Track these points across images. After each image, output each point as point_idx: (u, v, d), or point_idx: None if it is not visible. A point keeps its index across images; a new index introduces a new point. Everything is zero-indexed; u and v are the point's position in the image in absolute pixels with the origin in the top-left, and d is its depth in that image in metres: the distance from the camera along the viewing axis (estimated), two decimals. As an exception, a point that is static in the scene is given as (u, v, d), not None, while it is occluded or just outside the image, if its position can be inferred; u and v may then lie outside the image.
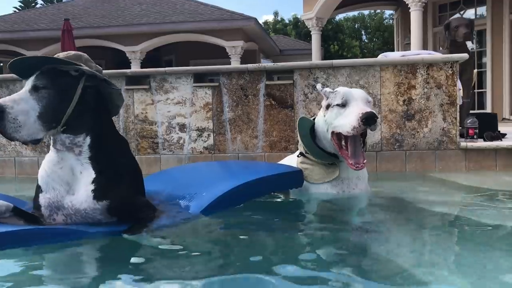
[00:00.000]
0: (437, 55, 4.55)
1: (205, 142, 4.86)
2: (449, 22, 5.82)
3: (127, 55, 15.71)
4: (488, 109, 12.43)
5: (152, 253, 1.96)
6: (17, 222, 2.12)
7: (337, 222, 2.63)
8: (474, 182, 3.76)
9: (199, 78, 4.90)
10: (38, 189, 2.22)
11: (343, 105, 2.91)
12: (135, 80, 4.98)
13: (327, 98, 3.07)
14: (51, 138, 2.21)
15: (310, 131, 3.18)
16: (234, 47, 15.52)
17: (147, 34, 15.55)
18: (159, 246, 1.99)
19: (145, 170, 4.94)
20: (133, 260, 1.87)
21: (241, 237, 2.21)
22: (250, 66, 4.71)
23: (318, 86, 3.19)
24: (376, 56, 4.95)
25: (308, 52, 19.52)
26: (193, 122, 4.86)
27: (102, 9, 17.42)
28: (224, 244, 2.14)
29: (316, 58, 15.19)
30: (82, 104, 2.18)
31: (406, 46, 14.82)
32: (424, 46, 13.19)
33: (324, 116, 3.03)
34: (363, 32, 33.19)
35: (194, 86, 4.84)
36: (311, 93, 4.62)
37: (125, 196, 2.23)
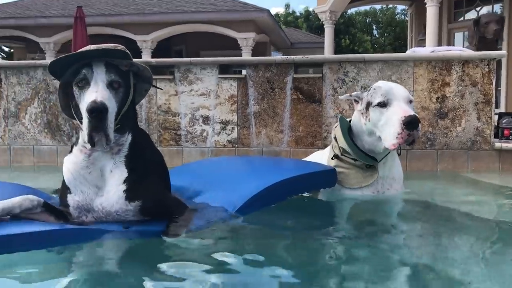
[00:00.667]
0: (472, 52, 4.40)
1: (228, 135, 4.74)
2: (479, 18, 5.66)
3: (138, 44, 15.56)
4: (502, 108, 12.25)
5: (193, 256, 1.86)
6: (48, 218, 2.01)
7: (372, 224, 2.53)
8: (510, 184, 3.64)
9: (224, 69, 4.77)
10: (66, 189, 2.08)
11: (384, 104, 2.75)
12: (159, 70, 4.86)
13: (361, 99, 2.93)
14: (80, 138, 2.08)
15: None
16: (246, 39, 15.36)
17: (159, 23, 15.40)
18: (199, 249, 1.90)
19: (167, 163, 4.84)
20: (175, 263, 1.77)
21: (280, 241, 2.11)
22: (277, 58, 4.58)
23: (343, 97, 3.06)
24: (387, 51, 4.80)
25: (319, 46, 19.33)
26: (217, 115, 4.74)
27: (114, -3, 17.24)
28: (264, 248, 2.03)
29: (328, 52, 14.99)
30: (131, 101, 2.09)
31: (420, 42, 14.60)
32: (439, 43, 13.00)
33: (366, 117, 2.87)
34: (374, 27, 32.86)
35: (219, 77, 4.72)
36: (340, 88, 4.48)
37: (157, 195, 2.13)
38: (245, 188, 2.54)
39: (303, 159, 3.73)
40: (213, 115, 4.75)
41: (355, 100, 2.99)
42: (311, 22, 27.94)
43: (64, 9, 16.12)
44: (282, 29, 19.95)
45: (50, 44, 15.86)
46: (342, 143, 3.01)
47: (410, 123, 2.56)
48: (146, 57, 14.91)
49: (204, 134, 4.78)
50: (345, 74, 4.47)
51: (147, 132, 4.50)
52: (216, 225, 2.20)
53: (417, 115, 2.59)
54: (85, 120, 1.89)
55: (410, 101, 2.77)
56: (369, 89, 2.87)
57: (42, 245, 1.82)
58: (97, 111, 1.83)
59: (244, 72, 4.82)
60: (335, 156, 3.07)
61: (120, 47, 2.09)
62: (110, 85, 1.96)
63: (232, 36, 15.34)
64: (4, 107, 4.98)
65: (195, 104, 4.77)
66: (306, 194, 3.05)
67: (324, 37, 15.38)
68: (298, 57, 4.53)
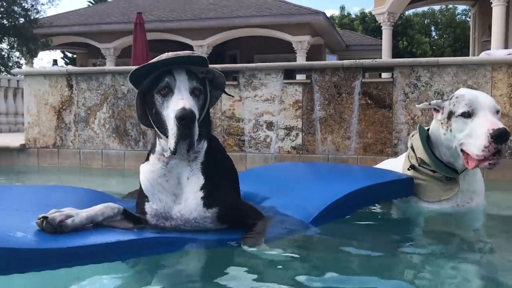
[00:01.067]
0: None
1: (293, 141, 4.65)
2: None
3: (194, 49, 15.75)
4: None
5: (273, 267, 1.79)
6: (127, 225, 1.98)
7: (453, 239, 2.35)
8: None
9: (288, 74, 4.70)
10: (144, 197, 2.06)
11: (469, 114, 2.56)
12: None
13: (442, 108, 2.74)
14: (157, 146, 2.04)
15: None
16: (301, 42, 15.25)
17: (215, 28, 15.56)
18: (279, 261, 1.82)
19: (230, 168, 4.83)
20: (255, 274, 1.70)
21: (357, 255, 2.00)
22: (345, 62, 4.45)
23: (422, 105, 2.89)
24: (447, 53, 4.54)
25: (375, 48, 18.92)
26: (281, 120, 4.67)
27: (172, 3, 17.62)
28: (343, 262, 1.92)
29: (386, 54, 14.63)
30: (207, 108, 2.06)
31: (485, 44, 13.95)
32: (506, 44, 12.35)
33: (447, 128, 2.69)
34: (432, 28, 31.80)
35: (284, 82, 4.65)
36: (412, 93, 4.29)
37: (232, 201, 2.08)
38: (320, 196, 2.44)
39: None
40: (277, 120, 4.68)
41: (435, 109, 2.81)
42: (367, 24, 27.42)
43: (124, 15, 16.62)
44: (338, 32, 19.69)
45: (111, 49, 16.40)
46: (421, 153, 2.83)
47: (499, 136, 2.36)
48: (202, 61, 15.06)
49: (268, 140, 4.72)
50: (417, 78, 4.28)
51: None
52: (292, 234, 2.12)
53: (506, 128, 2.40)
54: (173, 127, 1.84)
55: (497, 111, 2.56)
56: (451, 98, 2.68)
57: (123, 255, 1.80)
58: (187, 118, 1.78)
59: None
60: (412, 167, 2.90)
61: (197, 53, 2.06)
62: (192, 92, 1.93)
63: (286, 39, 15.27)
64: (75, 112, 5.14)
65: (259, 109, 4.73)
66: (379, 205, 2.92)
67: (380, 39, 15.04)
68: (367, 61, 4.38)
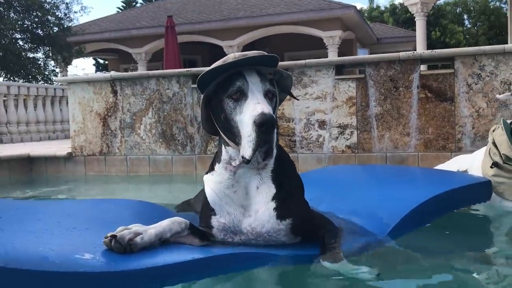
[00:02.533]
0: None
1: (347, 140, 4.45)
2: None
3: (224, 49, 15.68)
4: None
5: (356, 285, 1.63)
6: (193, 241, 1.83)
7: None
8: None
9: (339, 70, 4.49)
10: (210, 210, 1.90)
11: None
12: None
13: None
14: (224, 154, 1.87)
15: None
16: (332, 37, 14.95)
17: (244, 27, 15.43)
18: (367, 278, 1.64)
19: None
20: None
21: (441, 267, 1.84)
22: (402, 54, 4.21)
23: (503, 96, 2.64)
24: (481, 42, 4.24)
25: (408, 40, 18.43)
26: (334, 118, 4.47)
27: (200, 5, 17.57)
28: (435, 277, 1.75)
29: (421, 45, 14.18)
30: (276, 112, 1.90)
31: (525, 30, 13.39)
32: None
33: None
34: (465, 17, 30.83)
35: (336, 79, 4.44)
36: (476, 84, 4.03)
37: (305, 211, 1.91)
38: (394, 203, 2.24)
39: (440, 165, 3.36)
40: (330, 119, 4.48)
41: None
42: (397, 16, 26.79)
43: (153, 19, 16.66)
44: (368, 25, 19.27)
45: (142, 54, 16.48)
46: (505, 149, 2.60)
47: None
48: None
49: (321, 139, 4.52)
50: (481, 68, 4.01)
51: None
52: (368, 247, 1.95)
53: None
54: (251, 134, 1.67)
55: None
56: None
57: (197, 273, 1.65)
58: (268, 124, 1.62)
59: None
60: (495, 164, 2.66)
61: (264, 52, 1.89)
62: (266, 95, 1.77)
63: (317, 35, 15.00)
64: (120, 118, 5.05)
65: (310, 108, 4.53)
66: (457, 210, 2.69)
67: (412, 30, 14.60)
68: (426, 52, 4.15)
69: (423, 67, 4.50)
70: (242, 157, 1.71)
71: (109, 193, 4.53)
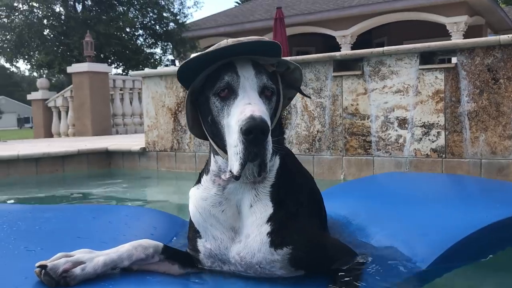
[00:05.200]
0: None
1: (433, 142, 3.72)
2: None
3: (337, 40, 15.10)
4: None
5: None
6: (170, 268, 1.49)
7: None
8: None
9: (426, 59, 3.77)
10: (195, 232, 1.54)
11: None
12: (345, 65, 4.11)
13: None
14: (212, 164, 1.48)
15: None
16: (456, 23, 13.46)
17: (359, 16, 14.65)
18: None
19: (353, 175, 4.12)
20: None
21: None
22: (503, 38, 3.37)
23: None
24: None
25: (555, 24, 15.96)
26: (418, 116, 3.77)
27: (314, -5, 17.09)
28: None
29: None
30: (280, 113, 1.50)
31: None
32: None
33: None
34: None
35: (420, 69, 3.74)
36: None
37: (312, 238, 1.46)
38: (445, 228, 1.68)
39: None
40: (412, 116, 3.79)
41: None
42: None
43: (267, 12, 16.60)
44: (502, 8, 17.05)
45: (253, 47, 16.54)
46: None
47: None
48: (345, 53, 14.31)
49: (401, 140, 3.85)
50: None
51: (331, 139, 3.80)
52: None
53: None
54: (237, 144, 1.28)
55: None
56: None
57: None
58: (257, 131, 1.23)
59: (454, 60, 3.73)
60: None
61: (266, 39, 1.44)
62: (262, 93, 1.38)
63: (440, 22, 13.63)
64: (189, 113, 4.88)
65: (389, 103, 3.88)
66: None
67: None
68: (535, 34, 3.26)
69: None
70: (230, 171, 1.34)
71: (180, 191, 4.37)
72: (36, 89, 11.62)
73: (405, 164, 3.84)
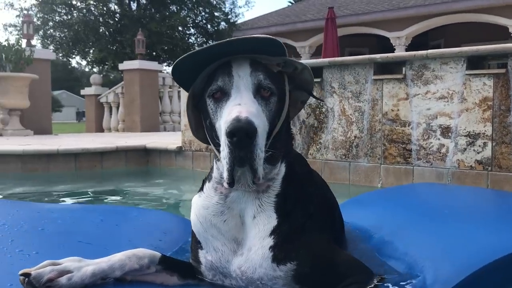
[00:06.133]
0: None
1: (478, 153, 3.45)
2: None
3: (391, 41, 14.64)
4: None
5: None
6: (168, 279, 1.41)
7: None
8: None
9: (474, 63, 3.50)
10: (196, 243, 1.46)
11: None
12: (386, 68, 3.90)
13: None
14: (215, 171, 1.39)
15: None
16: (520, 25, 12.71)
17: (415, 17, 14.15)
18: None
19: (391, 184, 3.90)
20: None
21: None
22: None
23: None
24: None
25: None
26: (462, 125, 3.51)
27: (368, -5, 16.69)
28: None
29: None
30: (286, 116, 1.39)
31: None
32: None
33: None
34: None
35: (467, 74, 3.47)
36: None
37: (319, 252, 1.34)
38: (471, 250, 1.48)
39: None
40: (457, 125, 3.53)
41: None
42: None
43: (319, 12, 16.36)
44: None
45: (306, 47, 16.38)
46: None
47: None
48: (398, 55, 13.86)
49: (443, 150, 3.60)
50: None
51: (369, 145, 3.63)
52: None
53: None
54: (224, 147, 1.20)
55: None
56: None
57: None
58: (241, 133, 1.15)
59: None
60: None
61: (268, 36, 1.33)
62: (258, 93, 1.28)
63: (502, 24, 12.91)
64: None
65: (432, 110, 3.64)
66: None
67: None
68: None
69: None
70: (223, 177, 1.26)
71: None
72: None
73: (446, 175, 3.59)
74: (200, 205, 1.43)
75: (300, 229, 1.33)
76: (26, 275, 1.19)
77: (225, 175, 1.21)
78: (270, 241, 1.29)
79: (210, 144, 1.40)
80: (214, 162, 1.38)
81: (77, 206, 2.66)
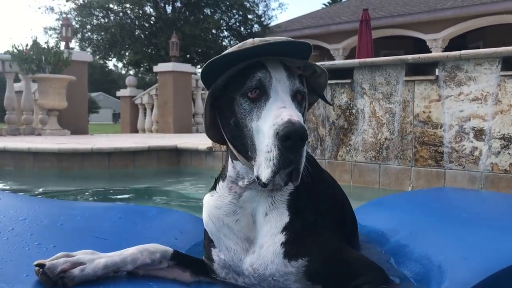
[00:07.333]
0: None
1: (513, 156, 3.35)
2: None
3: (428, 43, 14.36)
4: None
5: None
6: (181, 275, 1.43)
7: None
8: None
9: (510, 64, 3.40)
10: (209, 241, 1.47)
11: None
12: (418, 69, 3.84)
13: None
14: (230, 169, 1.40)
15: None
16: None
17: (452, 19, 13.82)
18: None
19: (422, 187, 3.82)
20: None
21: None
22: None
23: None
24: None
25: None
26: (497, 127, 3.41)
27: (404, -3, 16.43)
28: None
29: None
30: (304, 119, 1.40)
31: None
32: None
33: None
34: None
35: (501, 75, 3.38)
36: None
37: (331, 249, 1.34)
38: (486, 255, 1.44)
39: None
40: (490, 127, 3.44)
41: None
42: None
43: (353, 14, 16.22)
44: None
45: (339, 50, 16.25)
46: None
47: None
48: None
49: (476, 153, 3.51)
50: None
51: (400, 148, 3.59)
52: None
53: None
54: (271, 150, 1.20)
55: None
56: None
57: None
58: (296, 137, 1.15)
59: None
60: None
61: (293, 39, 1.34)
62: (295, 97, 1.29)
63: (546, 25, 12.47)
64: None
65: (465, 112, 3.56)
66: None
67: None
68: None
69: None
70: (257, 177, 1.25)
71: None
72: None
73: (479, 179, 3.49)
74: (212, 205, 1.44)
75: (312, 226, 1.34)
76: (41, 265, 1.22)
77: (267, 176, 1.20)
78: (281, 238, 1.31)
79: (227, 143, 1.40)
80: (230, 161, 1.39)
81: (97, 204, 2.72)
